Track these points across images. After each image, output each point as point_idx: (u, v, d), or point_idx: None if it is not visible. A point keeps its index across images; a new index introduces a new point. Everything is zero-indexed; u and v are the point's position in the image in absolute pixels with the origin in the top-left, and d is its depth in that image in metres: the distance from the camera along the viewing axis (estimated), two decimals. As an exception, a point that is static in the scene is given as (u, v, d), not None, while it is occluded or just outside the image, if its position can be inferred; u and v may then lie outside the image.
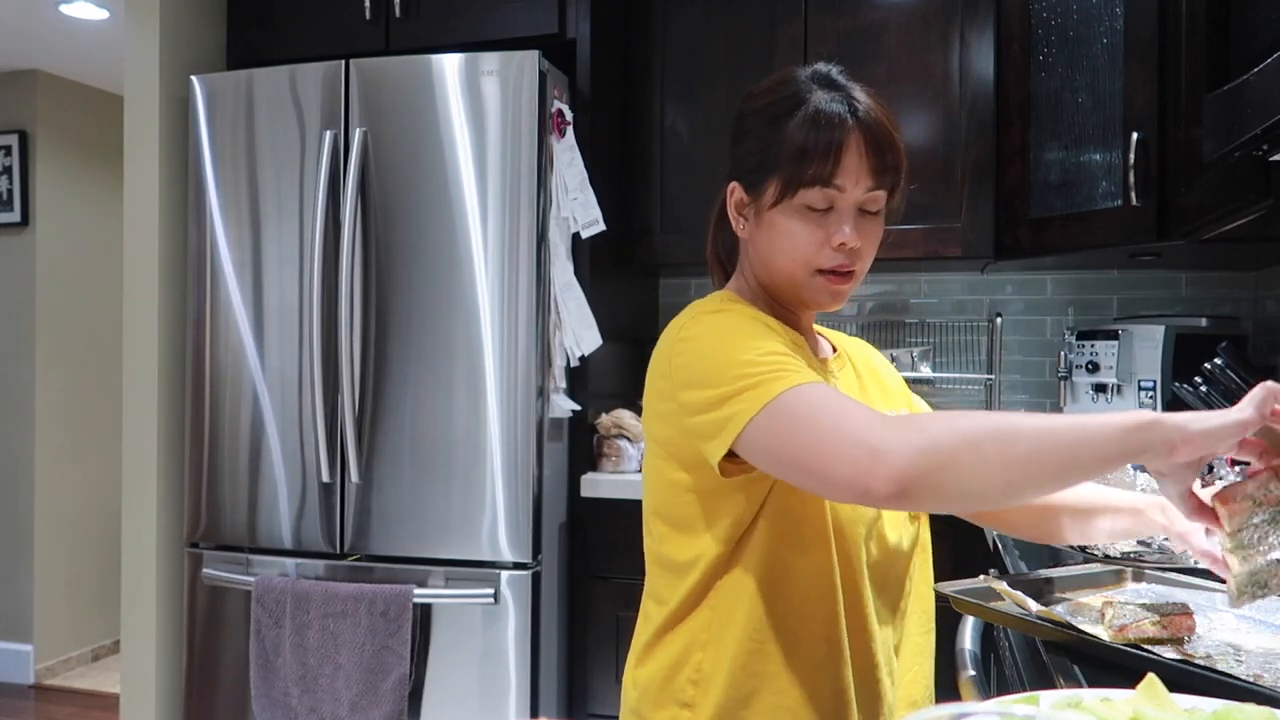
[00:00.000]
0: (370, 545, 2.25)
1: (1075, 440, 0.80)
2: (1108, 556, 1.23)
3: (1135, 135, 1.91)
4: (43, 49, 3.66)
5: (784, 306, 1.10)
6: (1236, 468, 1.65)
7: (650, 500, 1.08)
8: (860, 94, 1.03)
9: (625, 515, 2.25)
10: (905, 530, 1.09)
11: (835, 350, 1.17)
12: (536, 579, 2.17)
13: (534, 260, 2.16)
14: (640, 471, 2.30)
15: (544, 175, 2.19)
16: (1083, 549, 1.27)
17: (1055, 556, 1.32)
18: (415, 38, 2.42)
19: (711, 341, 0.98)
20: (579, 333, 2.24)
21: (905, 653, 1.09)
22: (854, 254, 1.02)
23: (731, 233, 1.12)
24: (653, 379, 1.05)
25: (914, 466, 0.79)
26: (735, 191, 1.09)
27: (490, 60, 2.17)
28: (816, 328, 1.19)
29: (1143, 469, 1.31)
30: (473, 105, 2.18)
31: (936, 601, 1.12)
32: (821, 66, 1.07)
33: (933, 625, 1.14)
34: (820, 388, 0.90)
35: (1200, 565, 0.98)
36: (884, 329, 2.73)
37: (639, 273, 2.74)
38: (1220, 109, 1.32)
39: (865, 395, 1.14)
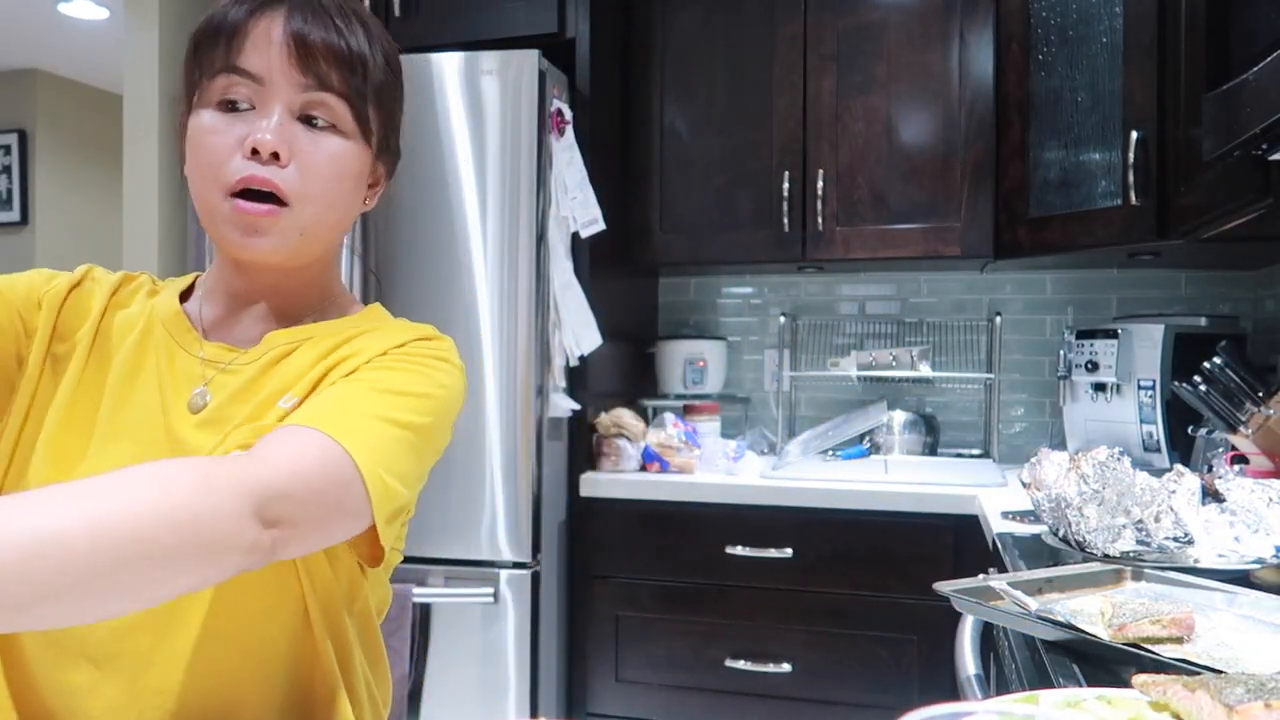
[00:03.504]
0: (370, 545, 2.25)
1: None
2: (1107, 556, 1.23)
3: (1135, 134, 1.91)
4: (42, 48, 3.66)
5: (231, 265, 0.87)
6: (1236, 466, 1.65)
7: None
8: None
9: (625, 515, 2.25)
10: None
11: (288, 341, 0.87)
12: (536, 578, 2.17)
13: (533, 259, 2.16)
14: (641, 471, 2.31)
15: (543, 174, 2.19)
16: (1081, 548, 1.27)
17: (1055, 556, 1.32)
18: (414, 37, 2.41)
19: None
20: (578, 332, 2.24)
21: None
22: (277, 171, 0.79)
23: None
24: None
25: None
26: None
27: (489, 59, 2.17)
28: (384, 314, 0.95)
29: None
30: (472, 104, 2.18)
31: (937, 601, 1.10)
32: None
33: None
34: None
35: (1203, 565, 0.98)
36: (883, 328, 2.73)
37: (638, 272, 2.74)
38: (1219, 108, 1.33)
39: (251, 397, 0.84)
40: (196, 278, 0.95)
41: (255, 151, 0.78)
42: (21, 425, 0.84)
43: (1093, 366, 2.19)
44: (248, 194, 0.79)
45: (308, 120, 0.81)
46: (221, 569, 0.64)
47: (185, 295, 0.93)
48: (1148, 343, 2.11)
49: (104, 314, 0.88)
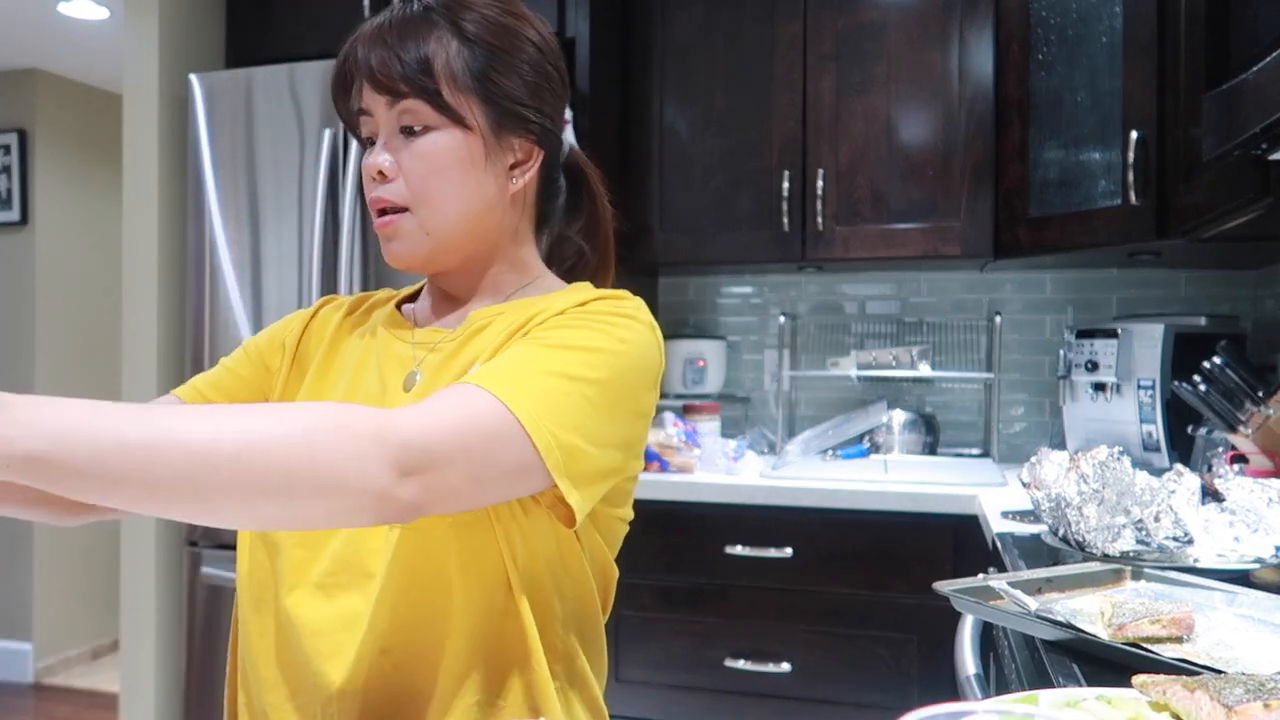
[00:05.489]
0: (369, 544, 2.25)
1: None
2: (1107, 556, 1.23)
3: (1134, 134, 1.91)
4: (42, 48, 3.65)
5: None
6: (1236, 466, 1.65)
7: None
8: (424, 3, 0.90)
9: (624, 514, 2.25)
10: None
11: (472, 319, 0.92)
12: (536, 578, 2.17)
13: (533, 259, 2.16)
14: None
15: (543, 174, 2.19)
16: (1081, 548, 1.27)
17: (1055, 556, 1.32)
18: (414, 36, 2.41)
19: None
20: (578, 332, 2.23)
21: None
22: (388, 186, 0.88)
23: None
24: None
25: None
26: None
27: (489, 59, 2.17)
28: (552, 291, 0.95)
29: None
30: (472, 104, 2.18)
31: (937, 601, 1.10)
32: None
33: None
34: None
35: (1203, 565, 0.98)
36: (883, 328, 2.73)
37: (638, 272, 2.74)
38: (1219, 107, 1.33)
39: (448, 371, 0.90)
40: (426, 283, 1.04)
41: (374, 176, 0.89)
42: None
43: (1093, 366, 2.19)
44: (382, 212, 0.90)
45: (409, 130, 0.88)
46: (348, 509, 0.68)
47: (414, 298, 1.03)
48: (1148, 342, 2.11)
49: (336, 330, 0.98)
